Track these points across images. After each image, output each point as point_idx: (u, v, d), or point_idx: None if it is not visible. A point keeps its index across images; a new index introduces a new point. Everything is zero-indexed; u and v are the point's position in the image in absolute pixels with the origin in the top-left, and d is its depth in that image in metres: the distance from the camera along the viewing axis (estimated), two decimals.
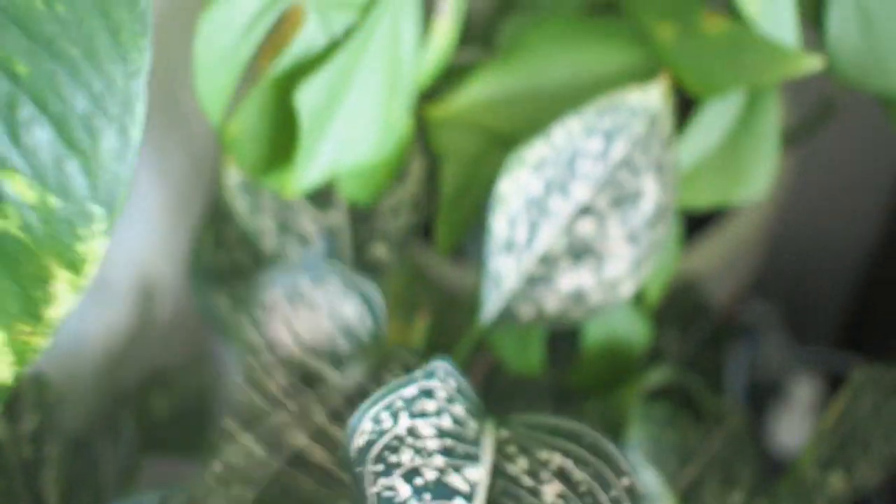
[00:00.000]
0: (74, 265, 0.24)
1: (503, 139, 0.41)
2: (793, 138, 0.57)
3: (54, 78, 0.23)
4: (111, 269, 0.50)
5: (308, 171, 0.36)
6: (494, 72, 0.41)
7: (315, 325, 0.36)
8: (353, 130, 0.37)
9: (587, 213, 0.38)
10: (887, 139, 0.66)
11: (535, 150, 0.36)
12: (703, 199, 0.41)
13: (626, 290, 0.38)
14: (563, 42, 0.42)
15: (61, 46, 0.23)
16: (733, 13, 0.39)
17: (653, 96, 0.37)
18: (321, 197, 0.42)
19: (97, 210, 0.23)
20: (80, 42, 0.23)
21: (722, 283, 0.58)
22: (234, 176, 0.41)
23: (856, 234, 0.77)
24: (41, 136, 0.23)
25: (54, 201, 0.23)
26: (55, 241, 0.23)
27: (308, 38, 0.36)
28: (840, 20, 0.40)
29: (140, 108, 0.23)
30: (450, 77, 0.42)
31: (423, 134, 0.42)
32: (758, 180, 0.41)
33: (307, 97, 0.35)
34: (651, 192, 0.37)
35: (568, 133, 0.36)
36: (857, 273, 0.78)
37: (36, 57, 0.23)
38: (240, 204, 0.41)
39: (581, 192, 0.37)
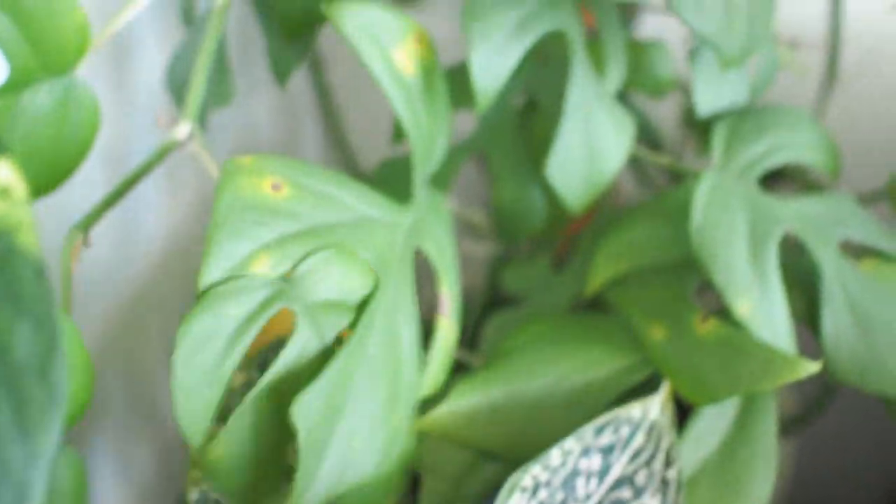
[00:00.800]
0: None
1: (488, 454, 0.39)
2: (793, 425, 0.55)
3: None
4: None
5: (308, 495, 0.33)
6: (477, 383, 0.39)
7: None
8: (354, 445, 0.34)
9: None
10: (888, 424, 0.64)
11: (530, 474, 0.33)
12: None
13: None
14: (548, 346, 0.41)
15: None
16: (728, 315, 0.39)
17: (654, 408, 0.36)
18: None
19: None
20: None
21: None
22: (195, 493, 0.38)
23: None
24: None
25: None
26: None
27: (301, 343, 0.34)
28: (834, 321, 0.40)
29: (38, 498, 0.20)
30: None
31: None
32: (757, 492, 0.39)
33: (304, 411, 0.32)
34: None
35: (564, 454, 0.34)
36: None
37: None
38: None
39: None
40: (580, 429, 0.35)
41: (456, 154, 0.48)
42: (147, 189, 0.55)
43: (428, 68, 0.39)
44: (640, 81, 0.47)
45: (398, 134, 0.46)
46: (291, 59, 0.46)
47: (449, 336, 0.39)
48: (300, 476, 0.32)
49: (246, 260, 0.33)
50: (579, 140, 0.41)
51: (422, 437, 0.39)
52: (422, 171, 0.39)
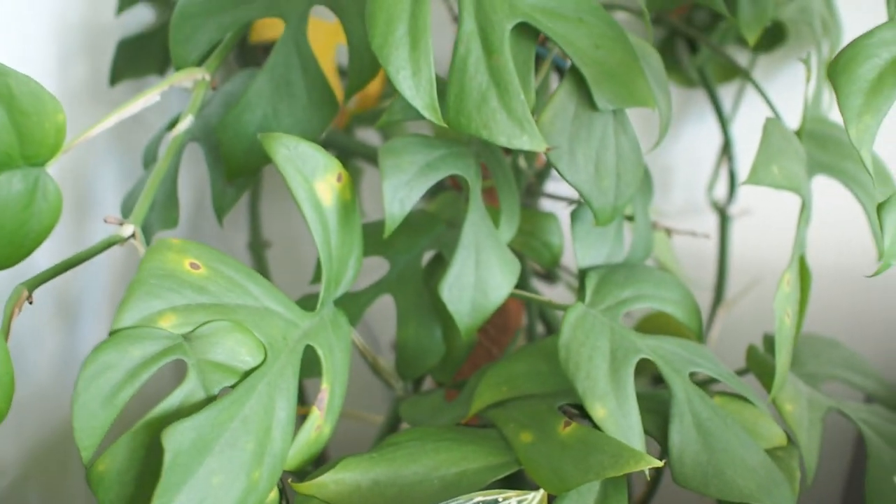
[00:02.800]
0: None
1: None
2: None
3: None
4: None
5: None
6: (363, 460, 0.44)
7: None
8: (214, 482, 0.39)
9: None
10: None
11: None
12: None
13: None
14: (430, 441, 0.46)
15: None
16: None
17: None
18: None
19: None
20: None
21: None
22: None
23: None
24: None
25: None
26: None
27: (186, 391, 0.40)
28: (681, 436, 0.46)
29: None
30: None
31: None
32: None
33: (175, 437, 0.37)
34: None
35: None
36: None
37: None
38: None
39: None
40: (458, 499, 0.40)
41: (366, 294, 0.55)
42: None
43: (345, 202, 0.48)
44: (533, 246, 0.56)
45: (317, 276, 0.53)
46: (230, 198, 0.54)
47: (318, 425, 0.45)
48: (160, 490, 0.36)
49: (155, 315, 0.41)
50: (469, 270, 0.49)
51: (306, 500, 0.43)
52: (329, 290, 0.47)
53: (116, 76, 0.68)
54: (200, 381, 0.41)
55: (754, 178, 0.51)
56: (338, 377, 0.47)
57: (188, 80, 0.53)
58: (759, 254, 0.79)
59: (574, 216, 0.53)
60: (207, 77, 0.53)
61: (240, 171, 0.53)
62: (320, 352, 0.46)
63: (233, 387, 0.41)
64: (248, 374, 0.42)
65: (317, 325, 0.46)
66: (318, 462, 0.79)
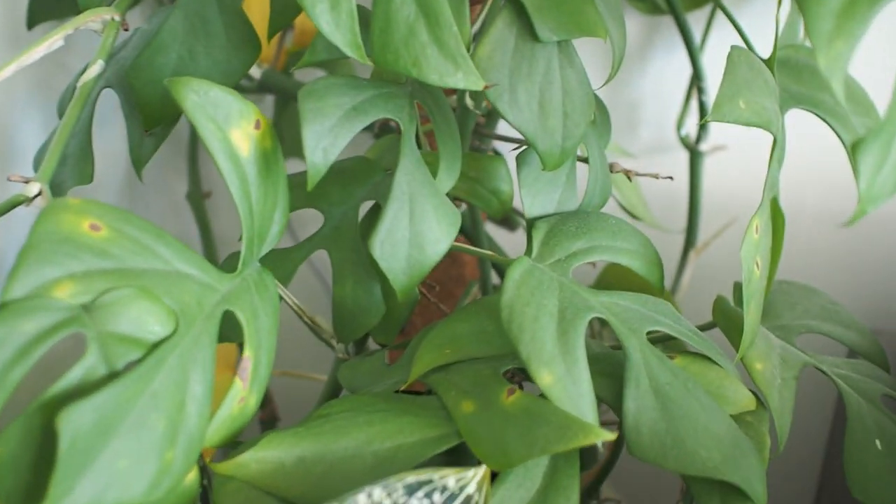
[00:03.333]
0: None
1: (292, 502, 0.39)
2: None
3: None
4: None
5: (66, 502, 0.33)
6: (286, 436, 0.41)
7: None
8: (119, 466, 0.35)
9: None
10: None
11: None
12: None
13: None
14: (361, 414, 0.42)
15: None
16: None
17: (471, 485, 0.37)
18: None
19: None
20: None
21: None
22: None
23: None
24: None
25: None
26: None
27: (86, 367, 0.36)
28: (637, 403, 0.42)
29: None
30: None
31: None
32: None
33: (70, 422, 0.34)
34: None
35: (372, 501, 0.35)
36: None
37: None
38: None
39: None
40: (389, 479, 0.36)
41: (298, 250, 0.51)
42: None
43: (265, 151, 0.43)
44: (479, 193, 0.52)
45: None
46: (148, 149, 0.49)
47: (241, 397, 0.41)
48: (56, 481, 0.33)
49: (49, 284, 0.36)
50: (403, 223, 0.45)
51: (227, 482, 0.39)
52: (252, 248, 0.42)
53: (34, 19, 0.63)
54: (102, 356, 0.36)
55: (718, 115, 0.46)
56: (263, 343, 0.43)
57: (96, 21, 0.48)
58: (733, 193, 0.74)
59: (520, 160, 0.49)
60: (117, 17, 0.48)
61: (157, 119, 0.49)
62: (242, 317, 0.42)
63: (139, 360, 0.37)
64: (157, 345, 0.37)
65: (238, 288, 0.42)
66: (266, 428, 0.76)
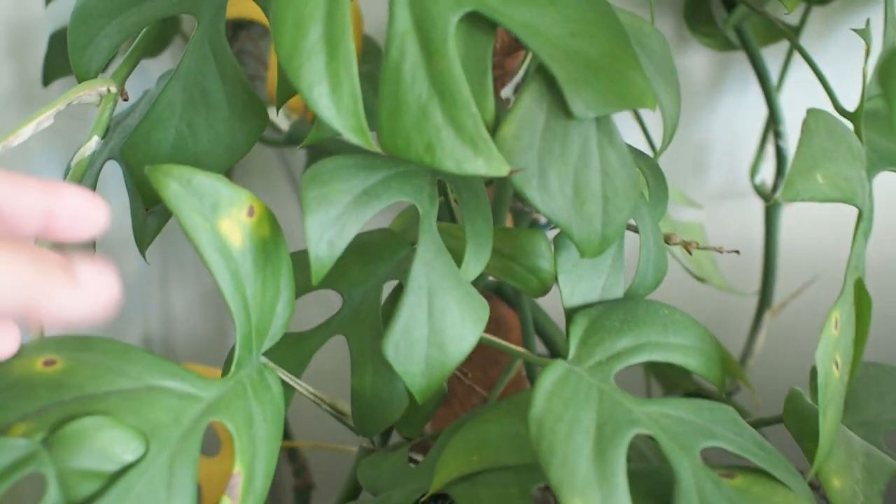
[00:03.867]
0: None
1: None
2: None
3: None
4: None
5: None
6: None
7: None
8: None
9: None
10: None
11: None
12: None
13: None
14: None
15: None
16: None
17: None
18: None
19: None
20: None
21: None
22: None
23: None
24: None
25: None
26: None
27: None
28: None
29: None
30: None
31: None
32: None
33: None
34: None
35: None
36: None
37: None
38: None
39: None
40: None
41: (313, 337, 0.46)
42: None
43: (262, 239, 0.38)
44: (516, 272, 0.46)
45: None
46: (152, 229, 0.45)
47: None
48: None
49: (3, 430, 0.33)
50: (421, 321, 0.39)
51: None
52: (247, 347, 0.38)
53: (50, 75, 0.59)
54: (63, 495, 0.33)
55: (791, 193, 0.40)
56: (260, 452, 0.38)
57: (91, 94, 0.44)
58: (816, 246, 0.67)
59: (558, 243, 0.43)
60: (113, 89, 0.44)
61: (157, 198, 0.44)
62: (232, 427, 0.37)
63: (101, 493, 0.33)
64: (121, 474, 0.33)
65: (229, 394, 0.37)
66: (300, 497, 0.72)
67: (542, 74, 0.38)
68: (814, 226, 0.66)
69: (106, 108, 0.44)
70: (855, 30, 0.42)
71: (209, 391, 0.37)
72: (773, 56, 0.62)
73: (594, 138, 0.39)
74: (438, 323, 0.40)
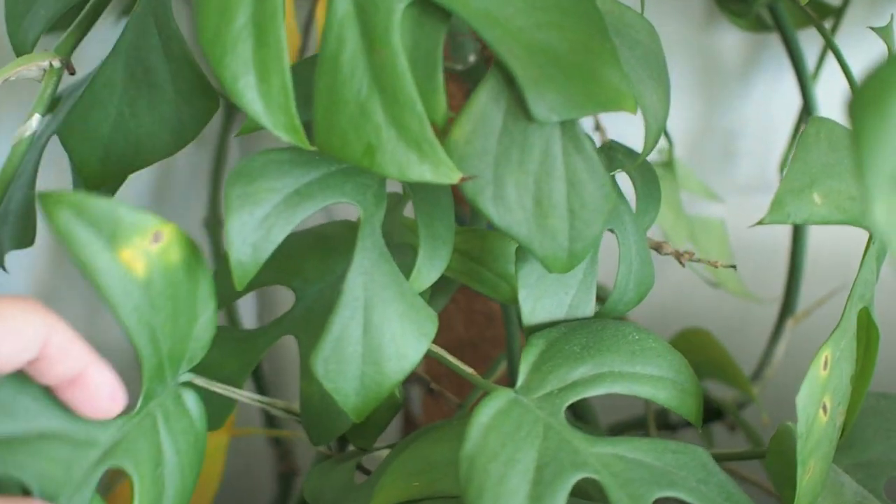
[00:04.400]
0: None
1: None
2: None
3: None
4: None
5: None
6: None
7: None
8: None
9: None
10: None
11: None
12: None
13: None
14: None
15: None
16: None
17: None
18: None
19: None
20: None
21: None
22: None
23: None
24: None
25: None
26: None
27: None
28: None
29: None
30: None
31: None
32: None
33: None
34: None
35: None
36: None
37: None
38: None
39: None
40: None
41: (261, 336, 0.43)
42: None
43: (170, 266, 0.34)
44: (483, 277, 0.42)
45: None
46: None
47: None
48: None
49: None
50: (354, 336, 0.36)
51: None
52: (156, 380, 0.35)
53: None
54: None
55: (779, 216, 0.35)
56: (170, 489, 0.35)
57: (30, 70, 0.41)
58: (846, 252, 0.61)
59: (519, 255, 0.39)
60: (56, 63, 0.41)
61: (98, 181, 0.42)
62: (133, 472, 0.34)
63: None
64: None
65: (132, 433, 0.34)
66: (283, 482, 0.69)
67: (501, 70, 0.34)
68: (844, 228, 0.61)
69: (49, 84, 0.41)
70: (874, 28, 0.36)
71: (107, 433, 0.33)
72: (810, 39, 0.56)
73: (558, 144, 0.35)
74: (376, 339, 0.37)
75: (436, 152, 0.33)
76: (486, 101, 0.34)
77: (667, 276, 0.53)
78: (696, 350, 0.57)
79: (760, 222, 0.35)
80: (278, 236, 0.35)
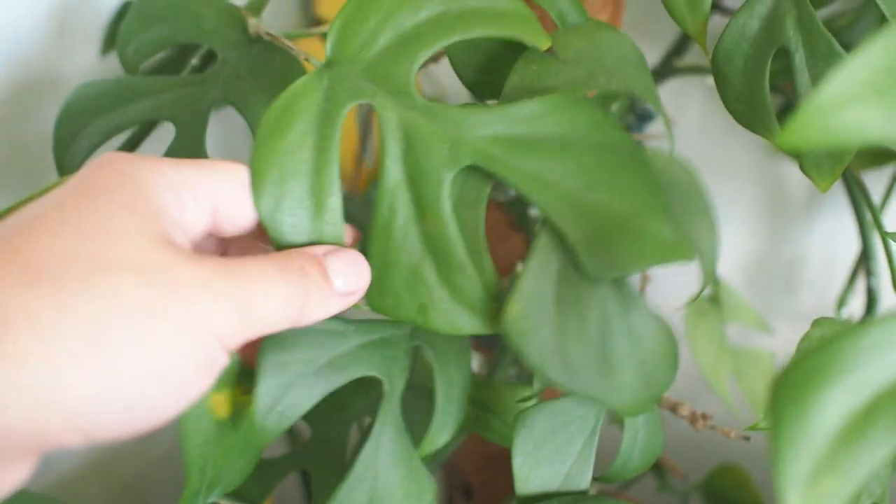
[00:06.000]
0: None
1: None
2: None
3: None
4: None
5: None
6: None
7: None
8: None
9: None
10: None
11: None
12: None
13: None
14: None
15: None
16: None
17: None
18: None
19: None
20: None
21: None
22: None
23: None
24: None
25: None
26: None
27: None
28: None
29: None
30: None
31: None
32: None
33: None
34: None
35: None
36: None
37: None
38: None
39: None
40: None
41: (278, 465, 0.45)
42: None
43: (248, 413, 0.37)
44: (487, 421, 0.43)
45: None
46: None
47: None
48: None
49: None
50: (362, 500, 0.37)
51: None
52: (190, 500, 0.37)
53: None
54: None
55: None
56: None
57: None
58: None
59: (519, 420, 0.39)
60: None
61: None
62: None
63: None
64: None
65: None
66: None
67: (550, 232, 0.34)
68: None
69: None
70: None
71: None
72: (875, 181, 0.54)
73: (613, 303, 0.34)
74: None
75: (487, 309, 0.35)
76: (538, 272, 0.34)
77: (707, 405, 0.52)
78: (731, 487, 0.56)
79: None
80: (305, 406, 0.36)
